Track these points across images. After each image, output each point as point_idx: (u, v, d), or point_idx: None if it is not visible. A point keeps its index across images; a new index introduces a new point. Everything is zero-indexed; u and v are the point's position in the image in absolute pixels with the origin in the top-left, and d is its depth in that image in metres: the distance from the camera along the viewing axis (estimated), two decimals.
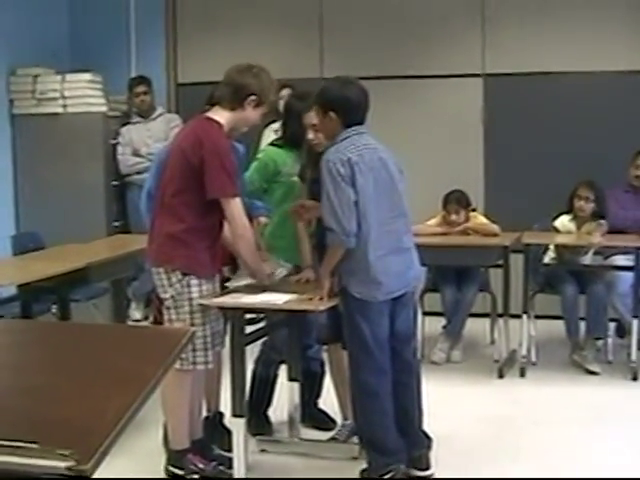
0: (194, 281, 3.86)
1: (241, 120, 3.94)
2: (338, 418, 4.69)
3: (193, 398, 4.07)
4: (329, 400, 4.78)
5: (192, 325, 3.83)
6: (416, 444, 4.04)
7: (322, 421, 4.79)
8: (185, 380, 3.92)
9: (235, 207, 3.81)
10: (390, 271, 3.85)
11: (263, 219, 4.67)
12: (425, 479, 4.03)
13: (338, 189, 3.74)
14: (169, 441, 4.09)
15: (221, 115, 3.89)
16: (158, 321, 4.23)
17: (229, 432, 4.14)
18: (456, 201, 6.09)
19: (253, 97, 3.87)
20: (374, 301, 3.84)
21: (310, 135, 4.23)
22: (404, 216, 3.95)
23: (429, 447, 4.08)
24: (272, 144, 4.72)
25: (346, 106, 3.86)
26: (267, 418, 4.74)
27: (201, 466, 4.04)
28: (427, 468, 4.04)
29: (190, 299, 3.86)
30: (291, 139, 4.52)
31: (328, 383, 4.76)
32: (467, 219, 6.11)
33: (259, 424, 4.64)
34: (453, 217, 6.08)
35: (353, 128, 3.86)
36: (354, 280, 3.85)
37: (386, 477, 3.88)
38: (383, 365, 3.90)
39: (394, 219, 3.89)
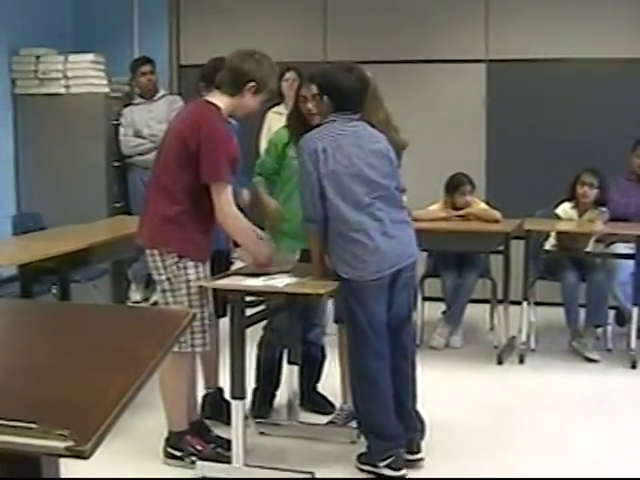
0: (190, 263, 3.87)
1: (239, 106, 3.94)
2: (337, 402, 4.70)
3: (189, 380, 4.08)
4: (328, 384, 4.79)
5: (190, 307, 3.84)
6: (407, 428, 4.02)
7: (321, 405, 4.79)
8: (183, 362, 3.94)
9: (222, 194, 3.80)
10: (375, 250, 3.84)
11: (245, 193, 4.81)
12: (414, 462, 4.03)
13: (304, 175, 3.87)
14: (167, 423, 4.10)
15: (220, 99, 3.90)
16: None
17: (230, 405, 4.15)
18: (468, 181, 6.09)
19: (252, 83, 3.87)
20: (362, 280, 3.83)
21: (309, 105, 4.35)
22: (386, 197, 3.92)
23: (422, 431, 4.08)
24: (286, 126, 4.70)
25: (338, 93, 3.93)
26: (271, 401, 4.75)
27: (199, 448, 4.06)
28: (417, 452, 4.04)
29: (187, 281, 3.87)
30: None
31: (327, 367, 4.77)
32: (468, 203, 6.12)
33: (262, 408, 4.65)
34: (468, 198, 6.07)
35: (340, 114, 3.91)
36: (341, 261, 3.87)
37: (386, 462, 3.89)
38: (380, 349, 3.90)
39: (374, 200, 3.87)
